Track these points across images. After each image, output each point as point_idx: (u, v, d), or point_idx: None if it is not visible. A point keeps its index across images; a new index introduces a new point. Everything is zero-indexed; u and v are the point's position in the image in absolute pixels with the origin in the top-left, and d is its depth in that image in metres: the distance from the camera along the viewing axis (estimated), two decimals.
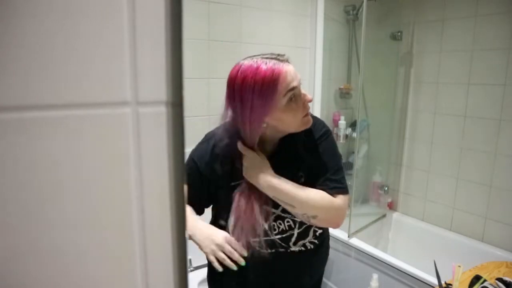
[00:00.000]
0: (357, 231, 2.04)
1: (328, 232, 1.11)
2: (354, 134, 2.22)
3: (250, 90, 0.80)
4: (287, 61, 0.86)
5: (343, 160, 2.36)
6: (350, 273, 1.96)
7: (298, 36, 2.12)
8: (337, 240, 2.00)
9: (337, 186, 0.93)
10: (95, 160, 0.26)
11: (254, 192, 0.91)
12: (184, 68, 0.29)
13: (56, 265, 0.26)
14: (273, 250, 0.98)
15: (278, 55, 0.86)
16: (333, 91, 2.32)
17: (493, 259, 1.51)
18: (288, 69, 0.84)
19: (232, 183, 0.95)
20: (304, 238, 1.00)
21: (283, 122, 0.88)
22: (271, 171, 0.89)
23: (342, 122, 2.24)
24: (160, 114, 0.28)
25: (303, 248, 1.00)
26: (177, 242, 0.30)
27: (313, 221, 0.92)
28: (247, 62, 0.83)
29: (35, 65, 0.24)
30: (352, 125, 2.31)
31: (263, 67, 0.81)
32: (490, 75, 1.90)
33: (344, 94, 2.34)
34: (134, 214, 0.28)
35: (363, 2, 1.91)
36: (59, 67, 0.24)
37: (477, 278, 1.20)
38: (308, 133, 0.96)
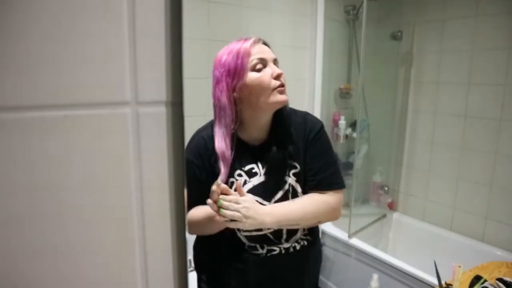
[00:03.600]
0: (357, 231, 2.04)
1: (318, 227, 1.12)
2: (354, 134, 2.22)
3: (220, 65, 0.91)
4: (263, 43, 0.96)
5: (344, 160, 2.38)
6: (350, 273, 1.95)
7: (298, 36, 2.12)
8: (337, 240, 2.00)
9: (332, 183, 0.98)
10: (95, 160, 0.26)
11: None
12: (184, 68, 0.29)
13: (56, 265, 0.26)
14: (268, 248, 0.99)
15: (258, 39, 0.95)
16: (333, 91, 2.32)
17: (494, 259, 1.50)
18: (256, 45, 0.93)
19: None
20: (295, 233, 1.01)
21: (252, 94, 0.91)
22: (265, 208, 0.90)
23: (342, 122, 2.24)
24: (160, 114, 0.28)
25: (296, 245, 1.01)
26: (177, 242, 0.30)
27: (318, 224, 1.00)
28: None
29: (35, 65, 0.24)
30: (352, 125, 2.31)
31: (233, 44, 0.92)
32: (490, 75, 1.90)
33: (344, 94, 2.34)
34: (134, 214, 0.28)
35: (363, 2, 1.91)
36: (59, 68, 0.24)
37: (477, 278, 1.20)
38: (300, 126, 0.99)
